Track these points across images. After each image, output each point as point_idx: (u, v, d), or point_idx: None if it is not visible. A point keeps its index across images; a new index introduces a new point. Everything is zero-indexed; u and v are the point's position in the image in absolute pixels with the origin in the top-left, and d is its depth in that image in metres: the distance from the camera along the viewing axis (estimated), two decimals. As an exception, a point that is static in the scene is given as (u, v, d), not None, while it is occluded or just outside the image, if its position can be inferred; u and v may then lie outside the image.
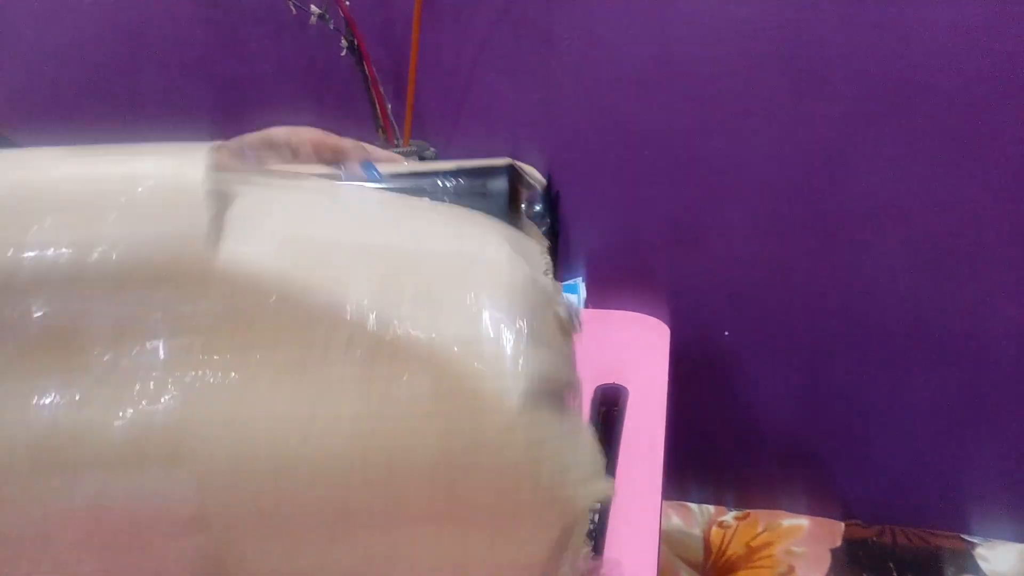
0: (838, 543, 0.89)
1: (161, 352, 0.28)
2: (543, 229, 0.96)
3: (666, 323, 0.71)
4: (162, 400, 0.27)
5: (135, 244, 0.28)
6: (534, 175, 0.54)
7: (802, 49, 0.81)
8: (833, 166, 0.85)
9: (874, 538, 0.90)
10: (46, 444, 0.27)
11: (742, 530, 0.93)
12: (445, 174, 0.53)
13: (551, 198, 0.93)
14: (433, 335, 0.28)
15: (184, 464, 0.27)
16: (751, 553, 0.90)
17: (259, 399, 0.28)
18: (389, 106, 0.85)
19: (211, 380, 0.28)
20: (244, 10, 0.94)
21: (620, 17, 0.84)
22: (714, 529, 0.95)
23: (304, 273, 0.29)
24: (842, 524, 0.92)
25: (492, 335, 0.28)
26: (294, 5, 0.81)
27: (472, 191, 0.53)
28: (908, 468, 0.96)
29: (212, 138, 0.45)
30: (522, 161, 0.53)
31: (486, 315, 0.29)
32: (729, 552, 0.91)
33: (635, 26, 0.84)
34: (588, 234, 0.95)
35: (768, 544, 0.90)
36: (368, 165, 0.53)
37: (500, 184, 0.54)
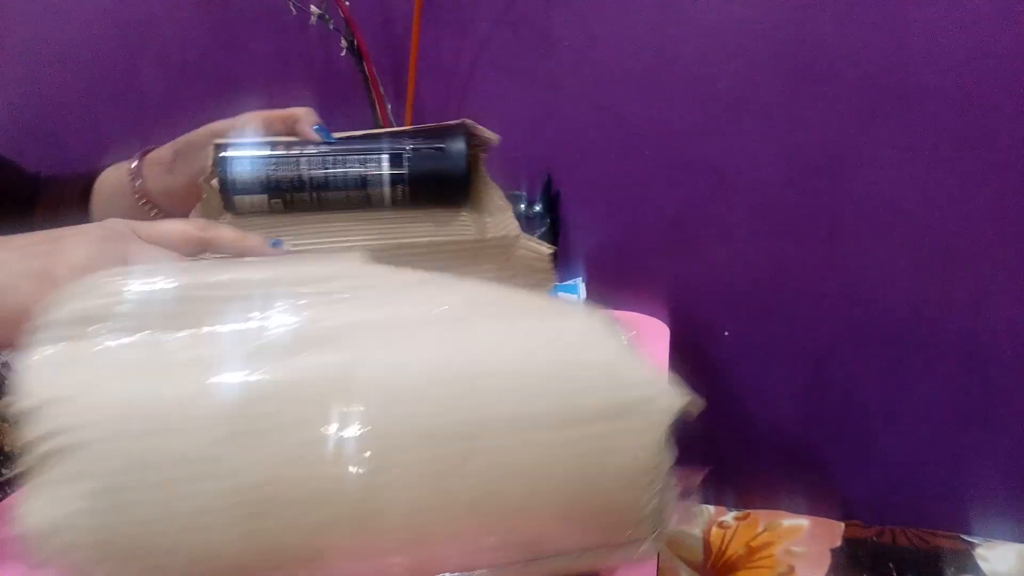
0: (838, 543, 0.89)
1: None
2: (543, 229, 0.97)
3: (666, 323, 0.71)
4: None
5: None
6: (487, 133, 0.54)
7: (802, 49, 0.81)
8: (833, 166, 0.85)
9: (874, 538, 0.90)
10: None
11: (742, 530, 0.93)
12: (402, 136, 0.54)
13: (551, 198, 0.93)
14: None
15: None
16: (751, 553, 0.90)
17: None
18: (389, 106, 0.85)
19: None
20: (244, 10, 0.94)
21: (620, 17, 0.84)
22: (714, 529, 0.95)
23: None
24: (842, 524, 0.92)
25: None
26: (294, 5, 0.81)
27: (431, 154, 0.54)
28: (908, 468, 0.96)
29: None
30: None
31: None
32: (729, 552, 0.91)
33: (635, 26, 0.84)
34: (588, 234, 0.95)
35: (768, 544, 0.90)
36: (321, 128, 0.54)
37: (459, 145, 0.55)
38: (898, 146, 0.82)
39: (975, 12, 0.76)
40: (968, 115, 0.79)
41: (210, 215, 0.50)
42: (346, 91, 0.92)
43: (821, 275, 0.90)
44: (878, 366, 0.92)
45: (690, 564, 0.91)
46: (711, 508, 0.99)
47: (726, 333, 0.96)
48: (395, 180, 0.53)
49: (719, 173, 0.88)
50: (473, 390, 0.34)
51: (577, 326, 0.38)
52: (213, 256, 0.42)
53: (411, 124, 0.86)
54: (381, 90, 0.84)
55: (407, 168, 0.53)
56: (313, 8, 0.80)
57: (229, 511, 0.31)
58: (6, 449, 0.56)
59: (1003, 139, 0.79)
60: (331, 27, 0.81)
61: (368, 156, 0.53)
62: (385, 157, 0.53)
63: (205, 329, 0.34)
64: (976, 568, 0.84)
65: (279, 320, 0.34)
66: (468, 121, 0.55)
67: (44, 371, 0.32)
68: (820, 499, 0.98)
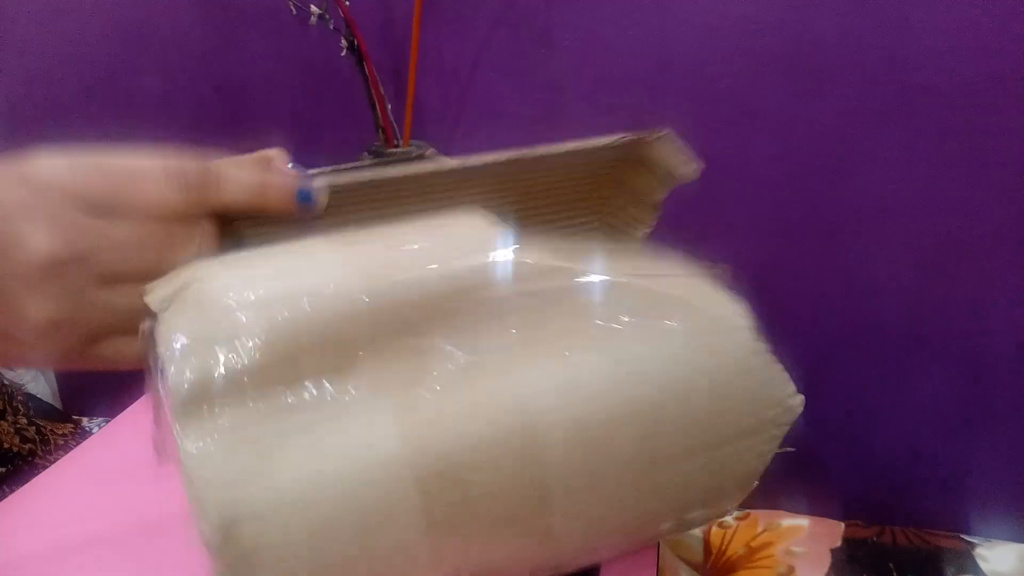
0: (838, 543, 0.89)
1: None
2: (543, 229, 0.96)
3: (666, 323, 0.71)
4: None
5: None
6: (446, 160, 0.51)
7: (802, 49, 0.81)
8: (833, 166, 0.85)
9: (874, 538, 0.90)
10: None
11: (742, 530, 0.93)
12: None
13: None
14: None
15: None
16: (751, 553, 0.90)
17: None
18: (389, 106, 0.85)
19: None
20: (244, 10, 0.94)
21: (620, 17, 0.84)
22: (714, 529, 0.95)
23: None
24: (842, 524, 0.92)
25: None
26: (294, 5, 0.81)
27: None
28: (908, 468, 0.96)
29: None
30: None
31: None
32: (729, 552, 0.91)
33: (635, 26, 0.84)
34: (588, 234, 0.95)
35: (768, 544, 0.90)
36: (302, 193, 0.46)
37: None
38: (898, 146, 0.82)
39: (975, 12, 0.76)
40: (968, 115, 0.79)
41: None
42: (346, 91, 0.92)
43: (821, 275, 0.90)
44: (878, 366, 0.92)
45: (690, 564, 0.91)
46: (711, 508, 0.99)
47: (726, 333, 0.96)
48: None
49: (719, 173, 0.88)
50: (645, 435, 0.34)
51: (726, 340, 0.39)
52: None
53: (411, 124, 0.86)
54: (381, 90, 0.84)
55: None
56: (313, 8, 0.80)
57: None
58: (5, 446, 0.56)
59: (1003, 139, 0.79)
60: (331, 27, 0.81)
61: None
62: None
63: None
64: (976, 568, 0.84)
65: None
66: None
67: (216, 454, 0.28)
68: (820, 499, 0.98)
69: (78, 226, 0.30)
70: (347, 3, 0.79)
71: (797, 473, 1.04)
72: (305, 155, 1.07)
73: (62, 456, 0.49)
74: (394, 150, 0.85)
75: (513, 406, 0.30)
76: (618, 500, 0.33)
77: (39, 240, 0.29)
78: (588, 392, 0.32)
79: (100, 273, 0.30)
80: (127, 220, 0.31)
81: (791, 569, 0.86)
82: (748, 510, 0.97)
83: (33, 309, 0.29)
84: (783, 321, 0.94)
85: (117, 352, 0.32)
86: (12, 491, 0.46)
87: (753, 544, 0.91)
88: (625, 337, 0.34)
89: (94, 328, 0.31)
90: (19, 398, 0.60)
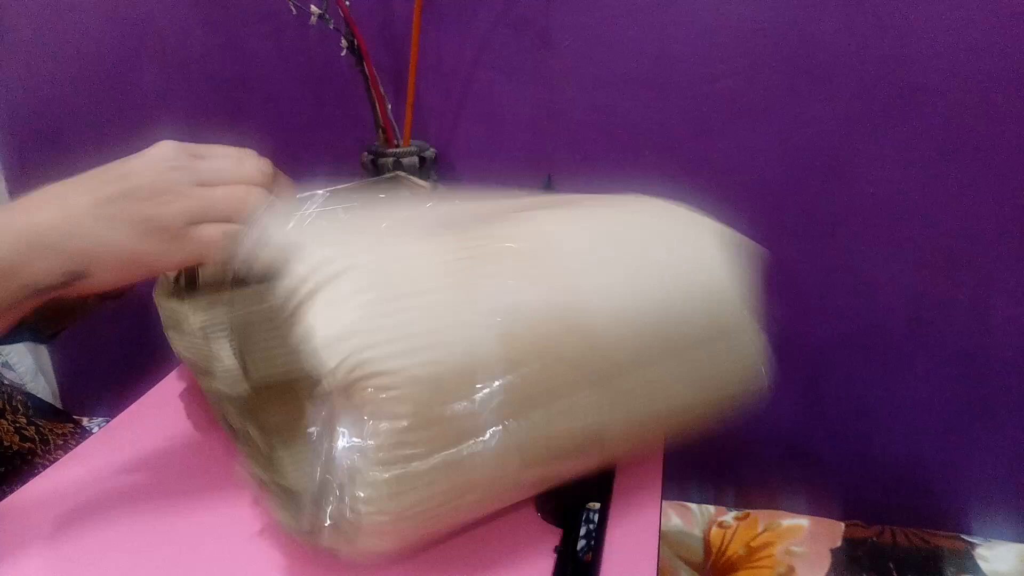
0: (838, 543, 0.89)
1: None
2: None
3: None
4: None
5: None
6: (418, 182, 0.57)
7: (802, 49, 0.81)
8: (833, 166, 0.85)
9: (874, 538, 0.90)
10: None
11: (742, 530, 0.93)
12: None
13: (551, 198, 0.93)
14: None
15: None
16: (751, 553, 0.90)
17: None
18: (389, 106, 0.85)
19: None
20: (244, 10, 0.94)
21: (620, 17, 0.84)
22: (714, 529, 0.95)
23: None
24: (842, 524, 0.92)
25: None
26: (294, 5, 0.81)
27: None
28: (908, 468, 0.96)
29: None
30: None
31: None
32: (729, 552, 0.91)
33: (635, 26, 0.84)
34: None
35: (768, 544, 0.90)
36: None
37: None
38: (898, 146, 0.82)
39: (975, 12, 0.76)
40: (968, 115, 0.79)
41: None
42: (346, 91, 0.92)
43: (821, 275, 0.90)
44: (878, 366, 0.92)
45: (690, 564, 0.91)
46: (711, 508, 0.99)
47: (726, 333, 0.96)
48: None
49: (719, 173, 0.88)
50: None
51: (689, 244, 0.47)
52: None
53: (411, 124, 0.86)
54: (381, 90, 0.84)
55: None
56: (313, 8, 0.80)
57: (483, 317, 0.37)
58: (5, 446, 0.56)
59: (1003, 139, 0.79)
60: (331, 27, 0.81)
61: None
62: None
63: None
64: (976, 568, 0.84)
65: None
66: (400, 174, 0.60)
67: (296, 232, 0.38)
68: (820, 499, 0.98)
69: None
70: (347, 3, 0.79)
71: (797, 473, 1.04)
72: (305, 155, 1.08)
73: (62, 456, 0.49)
74: (394, 150, 0.85)
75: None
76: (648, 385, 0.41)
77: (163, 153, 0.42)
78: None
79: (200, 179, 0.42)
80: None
81: (791, 569, 0.86)
82: (748, 510, 0.97)
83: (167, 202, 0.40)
84: (783, 320, 0.95)
85: (211, 233, 0.42)
86: (12, 491, 0.46)
87: (753, 544, 0.91)
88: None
89: (195, 214, 0.41)
90: (19, 398, 0.60)
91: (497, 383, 0.36)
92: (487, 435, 0.36)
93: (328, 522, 0.34)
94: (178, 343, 0.51)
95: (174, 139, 0.43)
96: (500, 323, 0.37)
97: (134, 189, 0.40)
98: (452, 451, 0.35)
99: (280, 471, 0.43)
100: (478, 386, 0.35)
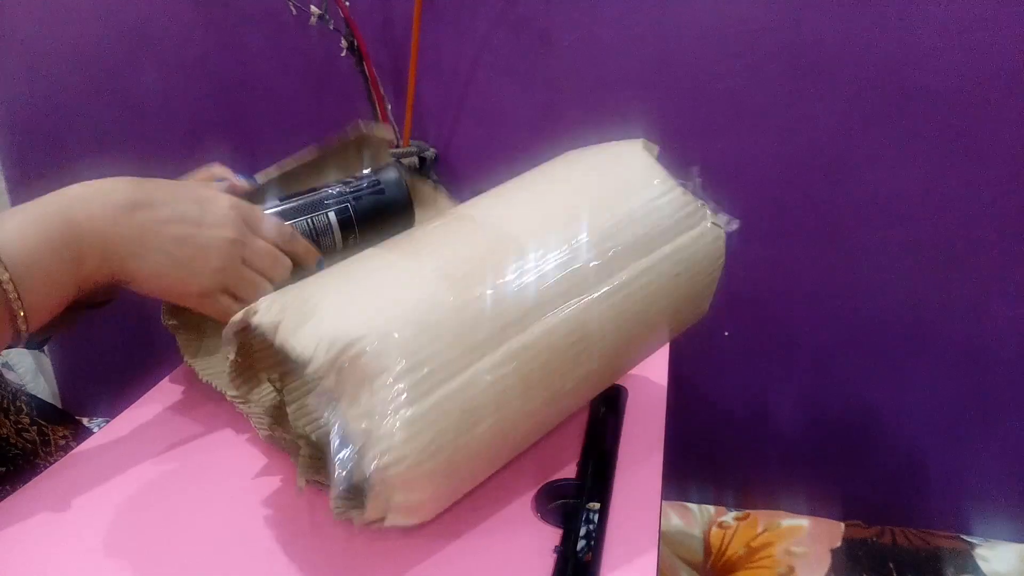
0: (838, 543, 0.89)
1: None
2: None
3: (666, 323, 0.71)
4: None
5: None
6: (381, 132, 0.63)
7: (802, 49, 0.81)
8: (833, 166, 0.85)
9: (874, 538, 0.90)
10: None
11: (742, 530, 0.93)
12: (334, 185, 0.60)
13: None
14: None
15: None
16: (751, 553, 0.90)
17: None
18: (389, 106, 0.85)
19: None
20: (244, 11, 0.94)
21: (620, 17, 0.84)
22: (714, 529, 0.95)
23: None
24: (842, 524, 0.92)
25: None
26: (294, 5, 0.81)
27: (372, 197, 0.60)
28: (908, 468, 0.96)
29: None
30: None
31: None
32: (729, 552, 0.91)
33: (635, 26, 0.84)
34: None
35: (768, 544, 0.90)
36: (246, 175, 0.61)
37: (392, 174, 0.61)
38: (898, 146, 0.82)
39: (975, 12, 0.76)
40: (968, 115, 0.79)
41: None
42: (346, 91, 0.92)
43: (821, 275, 0.90)
44: (878, 366, 0.92)
45: (690, 564, 0.91)
46: (711, 508, 0.99)
47: (726, 333, 0.96)
48: (345, 228, 0.59)
49: (719, 173, 0.88)
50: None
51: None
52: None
53: (411, 124, 0.86)
54: (381, 90, 0.84)
55: (354, 215, 0.59)
56: (313, 8, 0.80)
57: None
58: (6, 445, 0.56)
59: (1003, 139, 0.79)
60: (331, 27, 0.81)
61: (315, 216, 0.58)
62: (332, 214, 0.58)
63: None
64: (976, 568, 0.84)
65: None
66: (398, 163, 0.62)
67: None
68: (820, 499, 0.98)
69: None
70: (347, 3, 0.79)
71: (797, 473, 1.04)
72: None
73: (62, 456, 0.49)
74: (394, 150, 0.85)
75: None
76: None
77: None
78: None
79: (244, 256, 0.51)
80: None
81: (791, 569, 0.86)
82: (748, 510, 0.97)
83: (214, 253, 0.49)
84: (783, 321, 0.95)
85: (227, 306, 0.50)
86: (12, 491, 0.46)
87: (753, 544, 0.91)
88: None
89: (229, 287, 0.50)
90: (23, 398, 0.60)
91: (462, 319, 0.39)
92: (481, 363, 0.38)
93: (368, 497, 0.36)
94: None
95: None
96: (442, 267, 0.41)
97: (202, 246, 0.48)
98: (450, 385, 0.37)
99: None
100: (450, 324, 0.38)
